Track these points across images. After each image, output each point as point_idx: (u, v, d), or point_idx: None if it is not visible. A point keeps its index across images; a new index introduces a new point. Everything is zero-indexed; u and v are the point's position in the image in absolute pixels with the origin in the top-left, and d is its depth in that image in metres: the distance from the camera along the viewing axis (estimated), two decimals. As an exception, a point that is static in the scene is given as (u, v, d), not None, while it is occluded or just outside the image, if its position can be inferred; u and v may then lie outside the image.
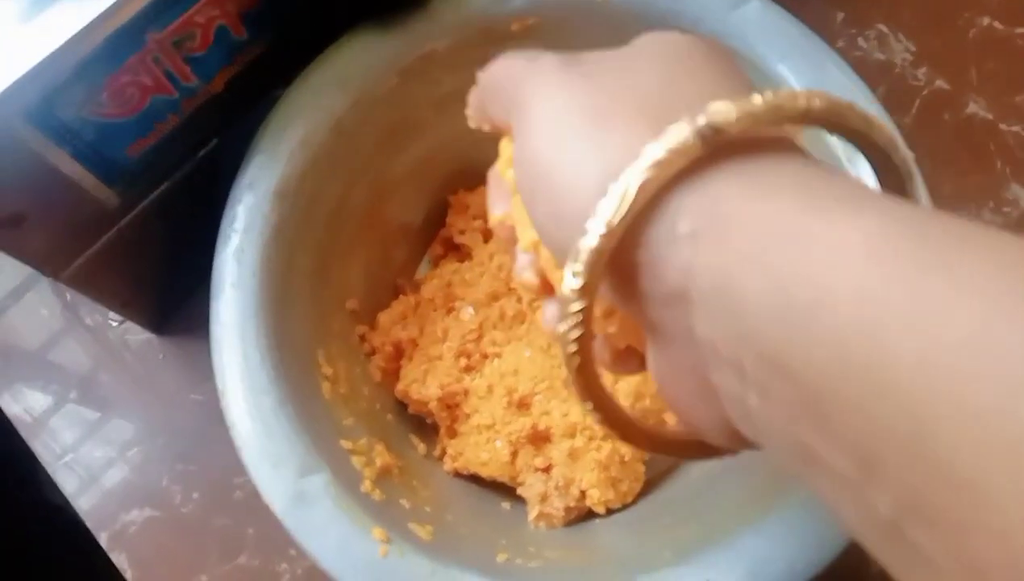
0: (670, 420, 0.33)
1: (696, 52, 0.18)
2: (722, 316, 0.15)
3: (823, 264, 0.13)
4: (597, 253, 0.16)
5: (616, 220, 0.15)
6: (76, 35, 0.25)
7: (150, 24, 0.27)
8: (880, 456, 0.12)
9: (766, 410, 0.14)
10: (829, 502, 0.14)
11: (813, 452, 0.14)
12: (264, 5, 0.30)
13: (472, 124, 0.23)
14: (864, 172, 0.29)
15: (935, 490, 0.11)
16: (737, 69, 0.18)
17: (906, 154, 0.17)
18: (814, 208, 0.14)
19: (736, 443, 0.17)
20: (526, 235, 0.21)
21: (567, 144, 0.17)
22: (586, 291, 0.16)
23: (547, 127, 0.18)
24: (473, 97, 0.23)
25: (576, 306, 0.17)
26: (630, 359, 0.21)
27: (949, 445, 0.11)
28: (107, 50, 0.26)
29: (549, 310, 0.23)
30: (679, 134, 0.15)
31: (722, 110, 0.15)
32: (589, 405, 0.18)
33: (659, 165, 0.15)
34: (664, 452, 0.20)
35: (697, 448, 0.19)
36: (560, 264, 0.18)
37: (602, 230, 0.16)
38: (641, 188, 0.15)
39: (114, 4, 0.25)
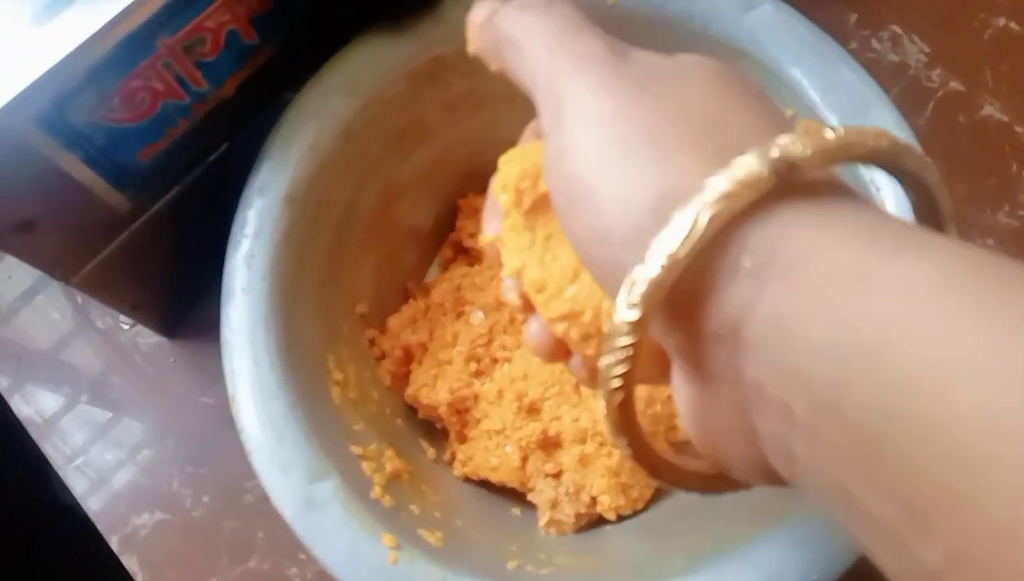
0: (682, 428, 0.32)
1: (739, 84, 0.18)
2: (776, 356, 0.14)
3: (887, 308, 0.13)
4: (657, 285, 0.15)
5: (682, 252, 0.15)
6: (87, 41, 0.25)
7: (161, 29, 0.26)
8: (932, 507, 0.12)
9: (812, 455, 0.14)
10: (868, 548, 0.14)
11: (858, 499, 0.13)
12: (274, 9, 0.30)
13: (470, 51, 0.21)
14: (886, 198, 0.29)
15: (991, 546, 0.11)
16: (772, 103, 0.18)
17: (950, 199, 0.17)
18: (877, 251, 0.14)
19: (765, 480, 0.17)
20: (511, 262, 0.22)
21: (618, 161, 0.16)
22: (640, 325, 0.15)
23: (593, 142, 0.17)
24: (484, 33, 0.20)
25: (626, 340, 0.16)
26: None
27: (1011, 502, 0.11)
28: (118, 55, 0.26)
29: (532, 327, 0.23)
30: (750, 167, 0.15)
31: (796, 144, 0.15)
32: (624, 441, 0.18)
33: (729, 198, 0.14)
34: (688, 488, 0.19)
35: (718, 482, 0.19)
36: (601, 284, 0.18)
37: (664, 262, 0.15)
38: (711, 220, 0.14)
39: (125, 10, 0.25)
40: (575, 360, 0.23)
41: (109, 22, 0.25)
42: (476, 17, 0.21)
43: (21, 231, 0.28)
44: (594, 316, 0.21)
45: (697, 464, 0.19)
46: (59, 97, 0.25)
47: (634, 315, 0.15)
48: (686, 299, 0.16)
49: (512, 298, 0.22)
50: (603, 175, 0.16)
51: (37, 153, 0.26)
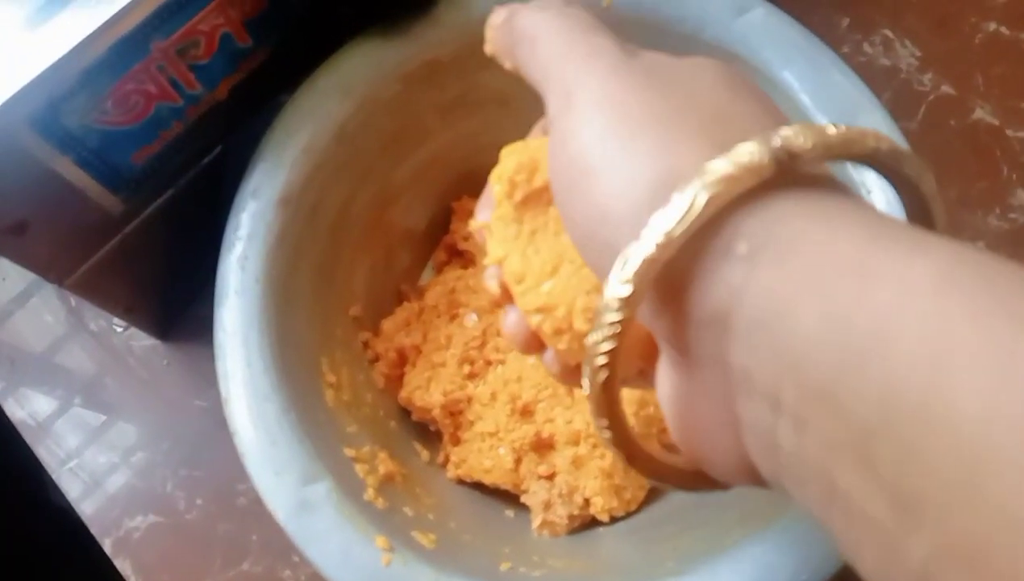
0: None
1: (746, 84, 0.18)
2: (766, 342, 0.14)
3: (886, 299, 0.13)
4: (650, 263, 0.15)
5: (678, 231, 0.15)
6: (81, 43, 0.25)
7: (154, 32, 0.27)
8: (924, 500, 0.12)
9: (798, 445, 0.14)
10: (849, 545, 0.14)
11: (844, 492, 0.13)
12: (268, 12, 0.30)
13: (488, 50, 0.22)
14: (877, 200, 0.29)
15: (982, 540, 0.11)
16: (776, 105, 0.18)
17: (944, 209, 0.17)
18: (877, 244, 0.14)
19: (743, 478, 0.17)
20: (495, 250, 0.22)
21: (622, 144, 0.16)
22: (631, 302, 0.15)
23: (599, 122, 0.17)
24: (501, 31, 0.21)
25: (615, 316, 0.16)
26: (578, 377, 0.21)
27: (1007, 494, 0.11)
28: (112, 58, 0.26)
29: (510, 317, 0.23)
30: (751, 152, 0.15)
31: (798, 135, 0.15)
32: (604, 422, 0.18)
33: (729, 181, 0.15)
34: (664, 481, 0.19)
35: (696, 479, 0.19)
36: (593, 267, 0.18)
37: (660, 239, 0.15)
38: (709, 201, 0.15)
39: (119, 13, 0.25)
40: (548, 354, 0.23)
41: (103, 25, 0.25)
42: (496, 18, 0.22)
43: (14, 233, 0.28)
44: (567, 312, 0.21)
45: (676, 459, 0.19)
46: (53, 99, 0.25)
47: (625, 291, 0.15)
48: (678, 280, 0.16)
49: (492, 286, 0.23)
50: (606, 156, 0.16)
51: (30, 155, 0.26)
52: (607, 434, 0.18)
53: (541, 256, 0.22)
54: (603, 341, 0.16)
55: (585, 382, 0.17)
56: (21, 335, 0.41)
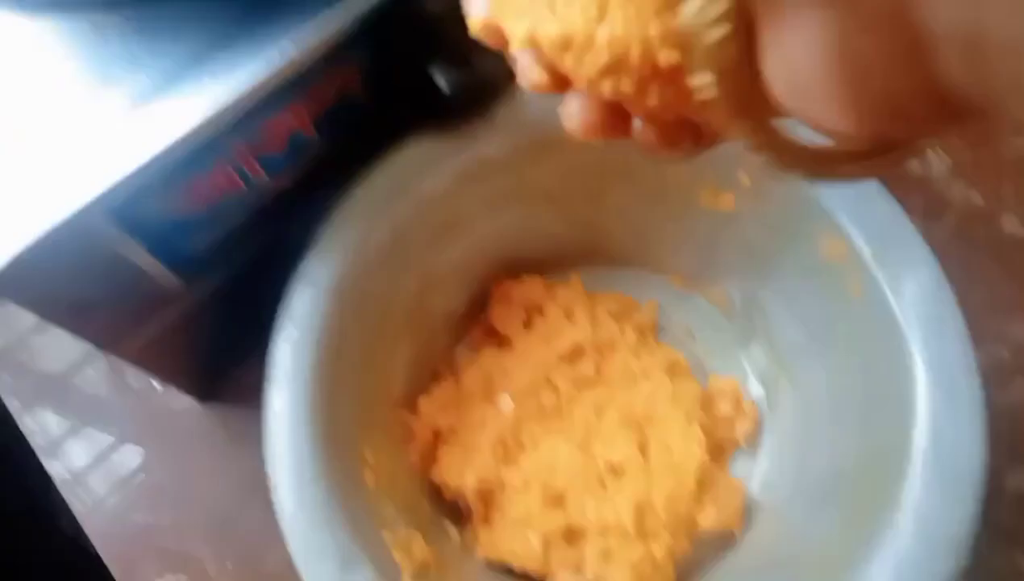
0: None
1: None
2: None
3: None
4: None
5: None
6: (169, 146, 0.26)
7: (236, 133, 0.28)
8: None
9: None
10: None
11: None
12: (335, 110, 0.32)
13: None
14: None
15: None
16: None
17: None
18: None
19: (935, 111, 0.13)
20: (517, 30, 0.18)
21: None
22: None
23: None
24: None
25: None
26: (682, 134, 0.17)
27: None
28: (195, 157, 0.27)
29: (571, 105, 0.18)
30: None
31: None
32: (746, 124, 0.14)
33: None
34: (832, 171, 0.15)
35: (871, 149, 0.15)
36: None
37: None
38: None
39: (206, 121, 0.26)
40: (637, 127, 0.18)
41: (194, 129, 0.26)
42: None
43: (75, 309, 0.29)
44: (644, 50, 0.16)
45: (837, 145, 0.15)
46: (134, 194, 0.26)
47: None
48: None
49: (535, 77, 0.18)
50: None
51: (102, 242, 0.27)
52: (753, 138, 0.14)
53: (576, 2, 0.17)
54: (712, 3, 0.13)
55: (699, 74, 0.13)
56: (65, 388, 0.42)
